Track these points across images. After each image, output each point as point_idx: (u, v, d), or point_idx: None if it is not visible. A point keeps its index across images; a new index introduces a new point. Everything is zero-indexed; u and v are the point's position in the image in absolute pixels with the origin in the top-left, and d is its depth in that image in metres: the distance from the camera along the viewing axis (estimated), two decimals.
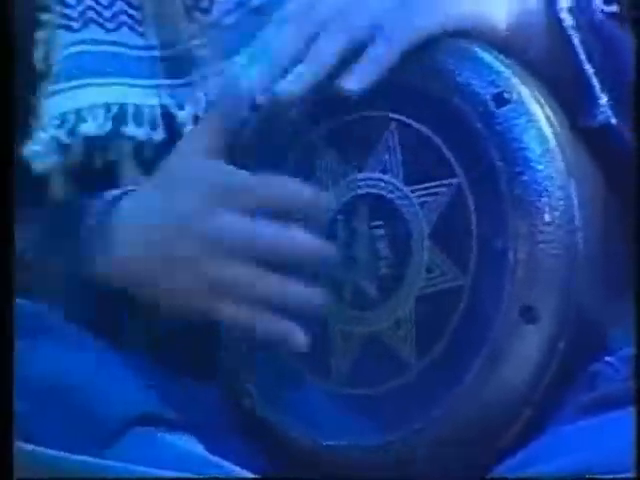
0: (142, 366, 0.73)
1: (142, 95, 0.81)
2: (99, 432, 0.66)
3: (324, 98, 0.72)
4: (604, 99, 0.71)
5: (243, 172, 0.72)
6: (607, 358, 0.72)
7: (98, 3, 0.82)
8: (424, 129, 0.71)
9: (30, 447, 0.66)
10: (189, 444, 0.69)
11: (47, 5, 0.83)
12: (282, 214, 0.70)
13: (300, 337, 0.69)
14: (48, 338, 0.70)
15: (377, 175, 0.72)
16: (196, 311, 0.71)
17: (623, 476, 0.66)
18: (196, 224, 0.70)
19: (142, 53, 0.82)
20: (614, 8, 0.75)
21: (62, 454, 0.66)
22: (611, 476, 0.65)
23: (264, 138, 0.76)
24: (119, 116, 0.80)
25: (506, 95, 0.70)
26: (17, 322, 0.66)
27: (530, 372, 0.71)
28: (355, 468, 0.72)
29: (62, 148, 0.80)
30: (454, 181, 0.70)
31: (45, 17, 0.82)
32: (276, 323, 0.69)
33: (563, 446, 0.67)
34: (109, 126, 0.80)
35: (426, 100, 0.71)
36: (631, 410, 0.66)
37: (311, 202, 0.71)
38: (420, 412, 0.71)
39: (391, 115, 0.72)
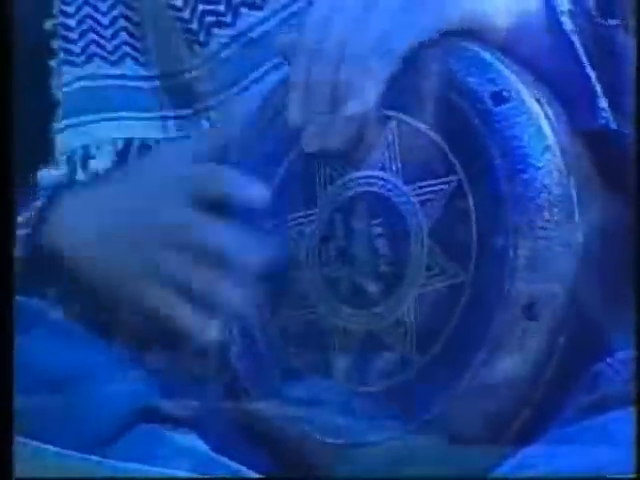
0: (141, 361, 0.73)
1: (148, 128, 0.82)
2: (101, 429, 0.67)
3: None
4: (604, 103, 0.71)
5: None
6: (607, 359, 0.71)
7: (101, 36, 0.83)
8: (422, 127, 0.71)
9: (31, 445, 0.66)
10: (194, 442, 0.69)
11: (51, 36, 0.84)
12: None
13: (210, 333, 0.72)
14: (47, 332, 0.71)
15: (375, 173, 0.72)
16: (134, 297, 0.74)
17: (623, 476, 0.65)
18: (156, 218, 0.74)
19: (145, 84, 0.83)
20: (614, 22, 0.75)
21: (64, 452, 0.66)
22: (611, 476, 0.65)
23: (261, 137, 0.76)
24: (125, 151, 0.82)
25: (505, 93, 0.70)
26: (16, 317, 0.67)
27: (530, 369, 0.70)
28: (354, 465, 0.71)
29: (74, 184, 0.81)
30: (453, 178, 0.69)
31: (55, 46, 0.84)
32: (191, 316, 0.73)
33: (563, 447, 0.67)
34: (116, 162, 0.81)
35: (424, 98, 0.71)
36: (631, 411, 0.66)
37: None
38: (420, 409, 0.70)
39: (389, 113, 0.72)
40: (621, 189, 0.72)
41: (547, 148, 0.69)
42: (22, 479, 0.65)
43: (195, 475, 0.66)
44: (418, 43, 0.71)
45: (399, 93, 0.71)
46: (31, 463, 0.65)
